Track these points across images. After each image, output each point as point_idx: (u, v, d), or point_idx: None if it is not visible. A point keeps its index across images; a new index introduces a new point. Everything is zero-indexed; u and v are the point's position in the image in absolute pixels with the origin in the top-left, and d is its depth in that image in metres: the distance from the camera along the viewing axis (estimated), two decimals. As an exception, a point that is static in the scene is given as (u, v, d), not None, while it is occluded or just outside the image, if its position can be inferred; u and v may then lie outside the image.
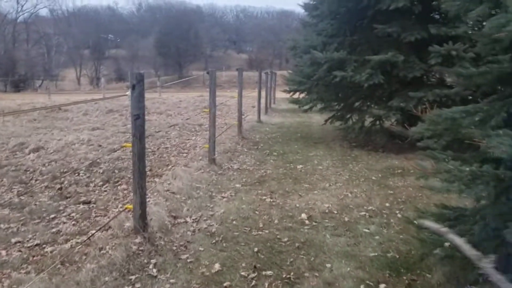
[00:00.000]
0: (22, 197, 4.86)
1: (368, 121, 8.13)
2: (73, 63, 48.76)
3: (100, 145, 7.69)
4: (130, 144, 3.52)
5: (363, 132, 7.92)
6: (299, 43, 10.21)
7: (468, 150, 2.85)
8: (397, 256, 3.42)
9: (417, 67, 6.89)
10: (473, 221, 2.87)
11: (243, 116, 9.39)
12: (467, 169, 2.38)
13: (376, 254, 3.46)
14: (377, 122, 8.05)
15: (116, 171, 5.99)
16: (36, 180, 5.58)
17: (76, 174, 5.77)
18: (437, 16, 7.32)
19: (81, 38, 50.79)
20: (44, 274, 2.95)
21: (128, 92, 3.41)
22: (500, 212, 2.27)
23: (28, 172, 5.91)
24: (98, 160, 6.39)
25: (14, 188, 5.24)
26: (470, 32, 6.28)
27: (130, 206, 3.72)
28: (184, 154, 7.37)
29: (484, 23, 2.14)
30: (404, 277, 3.07)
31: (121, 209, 4.25)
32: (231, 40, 71.60)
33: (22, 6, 49.41)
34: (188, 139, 8.83)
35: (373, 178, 5.90)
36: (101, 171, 5.97)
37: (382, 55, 6.89)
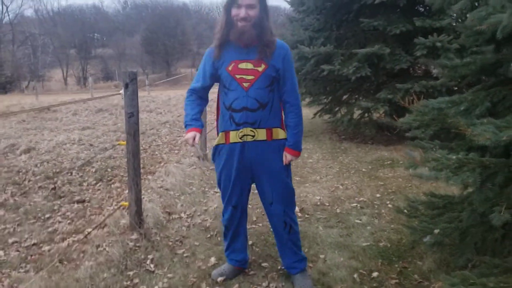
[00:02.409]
0: (16, 198, 4.89)
1: (356, 113, 8.23)
2: (59, 63, 48.40)
3: (91, 145, 7.72)
4: (124, 142, 3.57)
5: (352, 125, 8.01)
6: (286, 38, 10.23)
7: (454, 139, 2.94)
8: (389, 245, 3.50)
9: (404, 59, 6.99)
10: (461, 208, 2.97)
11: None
12: (454, 157, 2.46)
13: (368, 243, 3.55)
14: (366, 115, 8.15)
15: (109, 169, 6.03)
16: (29, 181, 5.60)
17: (69, 174, 5.80)
18: (421, 9, 7.43)
19: (67, 38, 50.40)
20: (43, 272, 3.00)
21: (122, 91, 3.45)
22: (486, 197, 2.35)
23: (20, 173, 5.93)
24: (90, 160, 6.41)
25: (7, 189, 5.25)
26: (454, 24, 6.43)
27: (126, 203, 3.77)
28: (176, 151, 7.42)
29: (468, 15, 2.22)
30: (396, 265, 3.16)
31: (116, 207, 4.29)
32: (218, 36, 71.41)
33: (7, 7, 48.81)
34: (179, 136, 8.87)
35: (363, 170, 5.99)
36: (93, 170, 6.00)
37: (369, 48, 6.97)
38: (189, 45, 53.85)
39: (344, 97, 8.67)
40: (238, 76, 2.48)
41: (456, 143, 2.88)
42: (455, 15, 2.61)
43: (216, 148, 2.71)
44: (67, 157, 6.75)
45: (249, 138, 2.54)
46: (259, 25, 2.42)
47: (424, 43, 6.40)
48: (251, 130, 2.53)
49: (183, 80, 42.16)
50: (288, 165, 2.73)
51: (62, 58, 48.51)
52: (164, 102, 16.12)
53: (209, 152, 6.59)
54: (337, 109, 8.68)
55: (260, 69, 2.48)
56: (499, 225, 2.22)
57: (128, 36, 56.27)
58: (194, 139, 2.50)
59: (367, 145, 7.64)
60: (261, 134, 2.56)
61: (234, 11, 2.42)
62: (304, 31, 8.18)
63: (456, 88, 6.32)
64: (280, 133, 2.64)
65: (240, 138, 2.55)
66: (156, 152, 7.30)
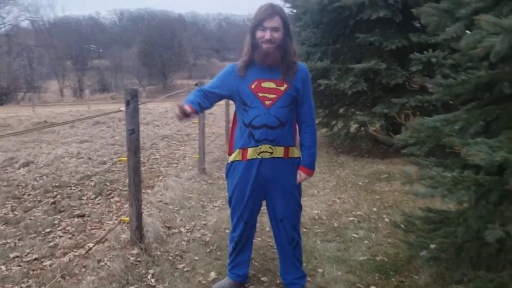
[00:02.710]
0: (16, 212, 4.92)
1: (353, 127, 8.31)
2: (55, 74, 48.47)
3: (90, 158, 7.75)
4: (125, 158, 3.62)
5: (349, 138, 8.09)
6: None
7: (450, 156, 3.01)
8: (386, 259, 3.56)
9: (399, 74, 7.11)
10: (457, 223, 3.03)
11: (229, 125, 9.51)
12: (449, 175, 2.53)
13: (366, 258, 3.60)
14: (362, 128, 8.24)
15: (108, 183, 6.07)
16: (29, 195, 5.63)
17: (68, 188, 5.84)
18: (417, 25, 7.55)
19: (63, 49, 50.56)
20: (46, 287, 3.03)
21: (123, 108, 3.52)
22: (480, 214, 2.42)
23: (20, 187, 5.95)
24: (89, 173, 6.45)
25: (7, 203, 5.28)
26: (449, 40, 6.55)
27: (126, 218, 3.81)
28: (174, 165, 7.46)
29: (462, 38, 2.30)
30: (393, 279, 3.22)
31: (116, 222, 4.33)
32: (214, 48, 71.90)
33: (4, 19, 48.96)
34: (177, 149, 8.92)
35: (360, 183, 6.06)
36: (92, 184, 6.04)
37: (365, 63, 7.09)
38: (186, 57, 54.12)
39: (341, 110, 8.76)
40: (260, 94, 2.57)
41: (451, 160, 2.95)
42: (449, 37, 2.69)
43: (231, 165, 2.77)
44: (66, 170, 6.78)
45: (267, 155, 2.62)
46: (283, 47, 2.53)
47: (419, 59, 6.52)
48: (270, 147, 2.61)
49: (180, 92, 42.33)
50: (300, 183, 2.82)
51: (58, 70, 48.60)
52: (161, 114, 16.18)
53: (207, 166, 6.67)
54: (334, 122, 8.76)
55: (282, 88, 2.58)
56: (493, 241, 2.29)
57: (124, 47, 56.51)
58: (183, 106, 2.45)
59: (364, 159, 7.72)
60: (279, 152, 2.64)
61: (259, 34, 2.51)
62: (301, 46, 8.29)
63: (452, 102, 6.42)
64: (295, 152, 2.73)
65: (258, 155, 2.62)
66: (154, 166, 7.34)
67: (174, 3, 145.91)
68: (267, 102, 2.57)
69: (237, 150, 2.70)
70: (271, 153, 2.63)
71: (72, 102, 34.37)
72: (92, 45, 64.18)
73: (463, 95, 3.07)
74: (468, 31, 2.43)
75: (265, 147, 2.61)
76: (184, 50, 52.92)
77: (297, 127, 2.79)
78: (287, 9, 8.65)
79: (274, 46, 2.50)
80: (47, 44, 48.80)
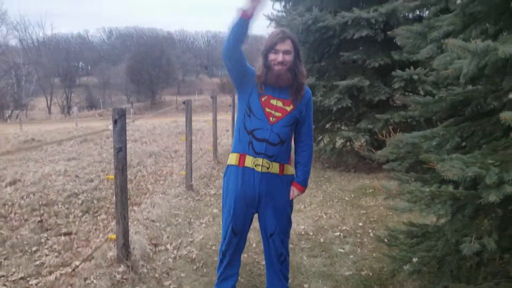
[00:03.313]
0: (2, 231, 4.90)
1: (339, 142, 8.42)
2: (43, 92, 48.28)
3: (77, 176, 7.75)
4: (113, 176, 3.66)
5: (335, 153, 8.19)
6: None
7: (429, 171, 3.09)
8: (371, 274, 3.62)
9: (382, 91, 7.26)
10: (437, 237, 3.11)
11: (217, 141, 9.58)
12: (427, 189, 2.62)
13: (351, 273, 3.66)
14: (348, 144, 8.36)
15: (95, 201, 6.08)
16: (15, 213, 5.62)
17: (55, 206, 5.84)
18: (399, 43, 7.72)
19: (52, 67, 50.44)
20: (32, 306, 3.04)
21: (110, 126, 3.57)
22: (457, 228, 2.50)
23: (7, 206, 5.94)
24: (76, 191, 6.45)
25: (-7, 223, 5.27)
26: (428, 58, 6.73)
27: (113, 236, 3.84)
28: (161, 182, 7.48)
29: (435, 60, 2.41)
30: (377, 293, 3.28)
31: (103, 239, 4.34)
32: (203, 65, 72.21)
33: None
34: (165, 166, 8.94)
35: (346, 198, 6.14)
36: (80, 201, 6.05)
37: (349, 80, 7.23)
38: (174, 74, 54.27)
39: (327, 125, 8.87)
40: (267, 110, 2.67)
41: (430, 175, 3.04)
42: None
43: (229, 168, 2.83)
44: (53, 189, 6.78)
45: (264, 169, 2.69)
46: (294, 69, 2.65)
47: (401, 76, 6.68)
48: (267, 162, 2.68)
49: (167, 107, 42.31)
50: (292, 200, 2.89)
51: (46, 87, 48.41)
52: (149, 131, 16.18)
53: (194, 183, 6.71)
54: (320, 138, 8.86)
55: (288, 108, 2.70)
56: (471, 254, 2.37)
57: (113, 65, 56.56)
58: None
59: (350, 173, 7.81)
60: (275, 168, 2.72)
61: (272, 56, 2.63)
62: (287, 64, 8.42)
63: (434, 117, 6.57)
64: (289, 169, 2.82)
65: (255, 166, 2.69)
66: (142, 183, 7.36)
67: (163, 22, 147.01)
68: (271, 119, 2.66)
69: (235, 154, 2.76)
70: (268, 168, 2.69)
71: (59, 119, 34.17)
72: (80, 63, 64.19)
73: (440, 113, 3.19)
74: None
75: (262, 161, 2.68)
76: (173, 67, 53.10)
77: (292, 145, 2.88)
78: (272, 28, 8.81)
79: (285, 68, 2.62)
80: (35, 62, 48.70)
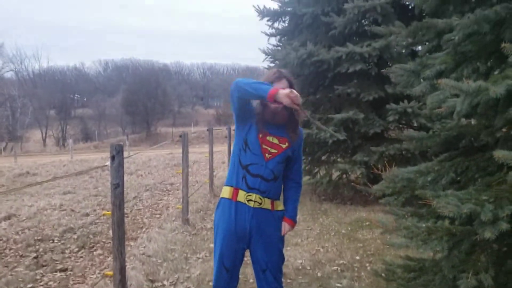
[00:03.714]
0: (-3, 268, 4.85)
1: (335, 174, 8.45)
2: (38, 124, 48.30)
3: (72, 210, 7.71)
4: (110, 212, 3.67)
5: (331, 186, 8.22)
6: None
7: (425, 205, 3.12)
8: (369, 309, 3.60)
9: (377, 124, 7.35)
10: (434, 272, 3.11)
11: (214, 173, 9.59)
12: (423, 225, 2.65)
13: (349, 307, 3.64)
14: (344, 176, 8.39)
15: (91, 236, 6.03)
16: (10, 249, 5.56)
17: (51, 241, 5.79)
18: (392, 80, 7.88)
19: (47, 99, 50.62)
20: None
21: (108, 163, 3.59)
22: (453, 264, 2.51)
23: (1, 241, 5.88)
24: (72, 226, 6.41)
25: (-12, 259, 5.21)
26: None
27: (110, 273, 3.81)
28: (157, 215, 7.46)
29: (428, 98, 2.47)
30: (376, 329, 3.25)
31: (99, 276, 4.30)
32: (199, 96, 72.79)
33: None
34: (161, 199, 8.92)
35: (343, 231, 6.13)
36: (75, 237, 6.00)
37: (344, 113, 7.32)
38: (170, 105, 54.58)
39: (323, 157, 8.92)
40: (264, 146, 2.72)
41: (426, 210, 3.06)
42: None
43: (222, 200, 2.83)
44: (49, 223, 6.73)
45: (256, 205, 2.71)
46: (290, 108, 2.67)
47: (395, 109, 6.78)
48: (259, 198, 2.70)
49: (163, 140, 42.38)
50: (283, 237, 2.89)
51: (41, 119, 48.44)
52: (145, 163, 16.18)
53: (191, 216, 6.69)
54: (316, 170, 8.90)
55: (284, 146, 2.75)
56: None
57: (108, 96, 56.88)
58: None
59: (346, 206, 7.81)
60: (267, 204, 2.74)
61: None
62: (282, 97, 8.54)
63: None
64: (279, 205, 2.84)
65: (247, 201, 2.70)
66: (138, 217, 7.32)
67: (159, 54, 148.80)
68: (267, 155, 2.71)
69: (229, 188, 2.77)
70: (260, 203, 2.71)
71: (54, 152, 34.05)
72: (76, 95, 64.53)
73: (434, 147, 3.24)
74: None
75: (255, 197, 2.69)
76: (168, 98, 53.44)
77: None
78: (267, 62, 8.97)
79: (281, 106, 2.65)
80: (31, 94, 48.94)
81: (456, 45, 2.46)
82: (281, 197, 2.92)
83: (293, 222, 2.88)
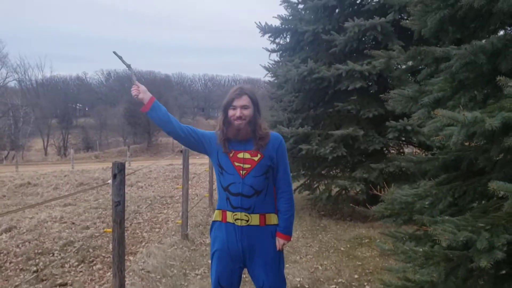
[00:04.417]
0: (-4, 283, 4.86)
1: (334, 190, 8.47)
2: (40, 133, 48.39)
3: (73, 223, 7.72)
4: (110, 230, 3.69)
5: (331, 201, 8.24)
6: (266, 118, 10.70)
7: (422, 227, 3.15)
8: (366, 330, 3.60)
9: (377, 141, 7.38)
10: (432, 295, 3.12)
11: (213, 187, 9.60)
12: (421, 249, 2.67)
13: (347, 328, 3.64)
14: (343, 192, 8.41)
15: (91, 250, 6.05)
16: (10, 263, 5.58)
17: (51, 255, 5.80)
18: (390, 105, 7.94)
19: (49, 108, 50.80)
20: None
21: (109, 181, 3.63)
22: (450, 289, 2.53)
23: (1, 254, 5.90)
24: (72, 239, 6.43)
25: (-13, 273, 5.22)
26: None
27: (109, 290, 3.82)
28: (157, 229, 7.47)
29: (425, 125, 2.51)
30: None
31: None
32: (200, 107, 72.93)
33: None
34: (160, 213, 8.93)
35: (342, 248, 6.14)
36: (75, 250, 6.01)
37: (344, 129, 7.37)
38: (171, 116, 54.56)
39: (323, 172, 8.95)
40: (236, 164, 2.74)
41: (424, 232, 3.09)
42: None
43: (214, 224, 2.88)
44: (49, 236, 6.75)
45: (243, 223, 2.72)
46: (253, 123, 2.74)
47: (395, 126, 6.83)
48: (245, 215, 2.72)
49: (163, 150, 42.42)
50: (281, 253, 2.87)
51: (43, 128, 48.55)
52: (145, 174, 16.18)
53: (190, 231, 6.70)
54: (316, 185, 8.92)
55: (256, 158, 2.74)
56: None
57: (110, 106, 56.97)
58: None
59: (346, 222, 7.82)
60: (255, 219, 2.74)
61: (231, 112, 2.74)
62: (283, 112, 8.60)
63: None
64: (273, 218, 2.82)
65: (235, 221, 2.73)
66: (137, 231, 7.34)
67: (161, 65, 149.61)
68: (241, 172, 2.72)
69: (219, 211, 2.82)
70: (247, 220, 2.72)
71: (55, 161, 34.11)
72: (78, 104, 64.70)
73: (432, 171, 3.27)
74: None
75: (240, 215, 2.71)
76: (170, 109, 53.35)
77: None
78: (269, 77, 9.04)
79: (245, 122, 2.72)
80: (33, 103, 49.11)
81: (453, 73, 2.50)
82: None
83: (286, 235, 2.83)
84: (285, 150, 2.90)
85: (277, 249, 2.81)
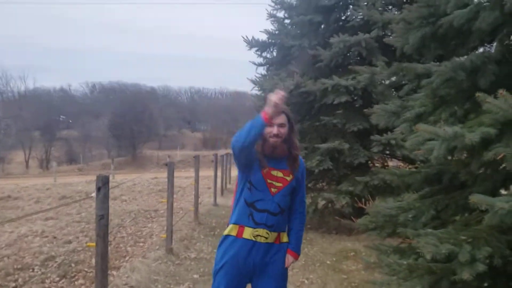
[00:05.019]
0: (-25, 299, 4.76)
1: (320, 203, 8.50)
2: (21, 145, 47.70)
3: (54, 237, 7.61)
4: (94, 244, 3.65)
5: (317, 215, 8.27)
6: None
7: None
8: None
9: (362, 154, 7.47)
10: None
11: (199, 200, 9.57)
12: (405, 262, 2.70)
13: None
14: (329, 205, 8.44)
15: (73, 264, 5.96)
16: (-12, 279, 5.47)
17: (31, 270, 5.70)
18: (374, 121, 8.07)
19: (32, 120, 50.11)
20: None
21: (93, 194, 3.60)
22: (434, 302, 2.56)
23: (-21, 270, 5.79)
24: (53, 254, 6.33)
25: (-34, 289, 5.11)
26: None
27: (92, 306, 3.77)
28: (141, 243, 7.40)
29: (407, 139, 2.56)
30: None
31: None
32: (186, 119, 72.72)
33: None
34: (144, 227, 8.86)
35: (328, 262, 6.14)
36: (56, 265, 5.92)
37: (330, 143, 7.44)
38: (156, 129, 54.39)
39: (309, 185, 8.98)
40: (269, 181, 2.74)
41: (407, 245, 3.12)
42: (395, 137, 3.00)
43: (226, 238, 2.82)
44: (29, 251, 6.63)
45: (262, 240, 2.72)
46: (288, 141, 2.76)
47: (380, 140, 6.91)
48: (266, 232, 2.72)
49: (148, 163, 42.15)
50: (287, 269, 2.88)
51: (25, 140, 47.85)
52: (129, 188, 16.04)
53: (175, 245, 6.65)
54: (302, 198, 8.94)
55: (288, 178, 2.77)
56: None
57: (94, 118, 56.52)
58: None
59: (332, 235, 7.84)
60: (272, 237, 2.75)
61: (267, 129, 2.70)
62: (269, 126, 8.64)
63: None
64: (284, 237, 2.85)
65: (254, 237, 2.71)
66: (121, 245, 7.26)
67: (147, 77, 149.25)
68: (273, 190, 2.73)
69: (233, 225, 2.79)
70: (266, 238, 2.72)
71: (37, 174, 33.67)
72: (61, 116, 64.05)
73: (415, 184, 3.32)
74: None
75: (262, 232, 2.71)
76: (155, 122, 53.30)
77: None
78: (256, 91, 9.10)
79: (280, 140, 2.72)
80: (15, 115, 48.46)
81: (434, 89, 2.55)
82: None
83: (296, 254, 2.88)
84: (305, 174, 2.96)
85: (286, 265, 2.83)
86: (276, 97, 2.49)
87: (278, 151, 2.76)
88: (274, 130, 2.71)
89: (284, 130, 2.73)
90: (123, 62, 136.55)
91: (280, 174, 2.77)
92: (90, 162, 45.67)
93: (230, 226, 2.82)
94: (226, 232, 2.84)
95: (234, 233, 2.78)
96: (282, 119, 2.73)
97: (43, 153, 48.90)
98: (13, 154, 47.77)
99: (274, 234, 2.75)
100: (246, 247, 2.73)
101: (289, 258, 2.83)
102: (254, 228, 2.71)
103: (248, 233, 2.73)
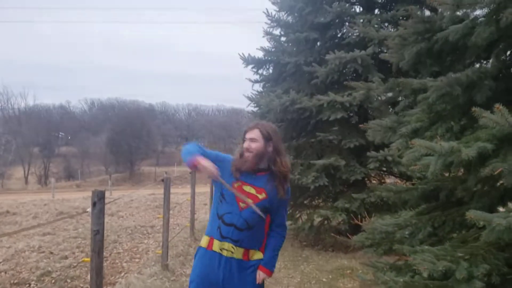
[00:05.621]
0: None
1: (316, 220, 8.45)
2: (21, 161, 47.63)
3: (51, 252, 7.54)
4: (89, 259, 3.62)
5: (313, 232, 8.20)
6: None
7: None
8: None
9: (358, 171, 7.45)
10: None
11: (195, 216, 9.51)
12: (401, 280, 2.66)
13: None
14: (325, 222, 8.39)
15: (69, 280, 5.91)
16: (-17, 295, 5.40)
17: (27, 285, 5.64)
18: (370, 137, 8.08)
19: (31, 136, 50.13)
20: None
21: (89, 209, 3.58)
22: (431, 320, 2.52)
23: (-25, 286, 5.72)
24: (50, 269, 6.27)
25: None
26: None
27: (85, 323, 3.72)
28: (137, 259, 7.33)
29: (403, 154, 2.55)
30: None
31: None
32: (183, 136, 72.75)
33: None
34: (141, 243, 8.78)
35: (324, 279, 6.08)
36: (53, 281, 5.86)
37: (325, 159, 7.42)
38: (154, 145, 54.43)
39: (305, 202, 8.94)
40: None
41: (404, 262, 3.09)
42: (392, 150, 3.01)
43: (199, 249, 2.85)
44: (26, 266, 6.57)
45: (228, 254, 2.70)
46: (261, 157, 2.74)
47: (376, 157, 6.90)
48: (232, 247, 2.69)
49: (145, 180, 42.04)
50: (261, 286, 2.84)
51: (24, 156, 47.81)
52: (126, 204, 15.94)
53: (170, 262, 6.59)
54: (298, 215, 8.90)
55: (260, 196, 2.74)
56: None
57: (93, 135, 56.55)
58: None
59: (328, 253, 7.78)
60: (239, 253, 2.72)
61: (243, 144, 2.78)
62: (266, 142, 8.63)
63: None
64: (256, 255, 2.80)
65: (221, 250, 2.70)
66: (117, 261, 7.18)
67: (145, 94, 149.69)
68: (241, 205, 2.70)
69: (206, 237, 2.79)
70: (232, 252, 2.70)
71: (36, 190, 33.45)
72: (60, 133, 64.05)
73: (412, 201, 3.30)
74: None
75: (227, 246, 2.69)
76: (153, 138, 53.37)
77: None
78: (252, 107, 9.11)
79: (251, 154, 2.72)
80: (15, 131, 48.51)
81: (430, 104, 2.56)
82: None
83: (268, 270, 2.82)
84: (289, 195, 2.93)
85: (257, 282, 2.78)
86: (205, 166, 2.55)
87: (247, 165, 2.73)
88: (245, 144, 2.76)
89: (255, 145, 2.74)
90: (122, 79, 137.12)
91: (252, 191, 2.74)
92: (88, 178, 45.56)
93: (204, 237, 2.84)
94: (200, 243, 2.87)
95: (205, 245, 2.80)
96: (254, 133, 2.76)
97: (42, 169, 48.84)
98: (13, 170, 47.67)
99: (241, 250, 2.72)
100: (215, 259, 2.73)
101: (260, 274, 2.80)
102: (221, 241, 2.71)
103: (216, 245, 2.73)
